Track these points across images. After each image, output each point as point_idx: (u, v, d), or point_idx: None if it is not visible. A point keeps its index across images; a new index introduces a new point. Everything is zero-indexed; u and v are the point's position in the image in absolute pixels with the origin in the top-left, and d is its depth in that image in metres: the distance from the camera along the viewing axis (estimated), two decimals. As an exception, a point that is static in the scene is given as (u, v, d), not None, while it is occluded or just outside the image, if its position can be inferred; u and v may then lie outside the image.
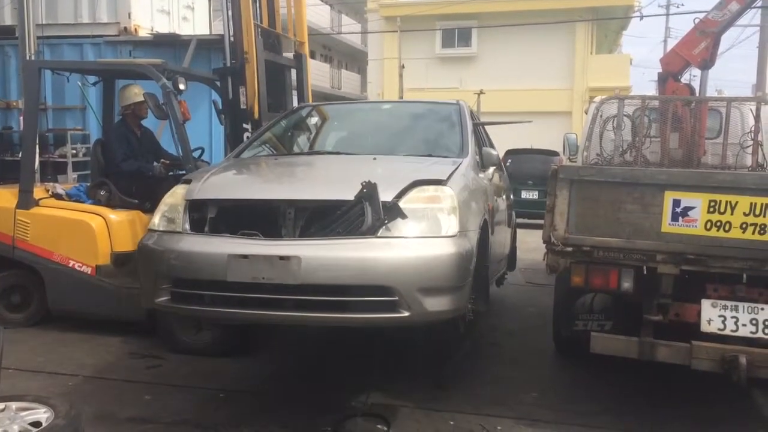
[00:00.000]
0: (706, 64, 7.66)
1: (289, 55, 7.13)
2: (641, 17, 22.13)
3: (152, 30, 9.96)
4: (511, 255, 7.04)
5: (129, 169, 6.05)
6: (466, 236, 3.99)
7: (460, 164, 4.58)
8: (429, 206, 3.92)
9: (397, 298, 3.66)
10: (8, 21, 10.13)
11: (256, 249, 3.78)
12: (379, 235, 3.76)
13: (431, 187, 4.03)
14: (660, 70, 7.77)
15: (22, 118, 9.46)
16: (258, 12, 6.47)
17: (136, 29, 9.80)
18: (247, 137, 6.01)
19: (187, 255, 3.97)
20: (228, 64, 6.25)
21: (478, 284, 4.38)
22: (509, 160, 15.72)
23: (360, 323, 3.95)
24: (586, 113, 8.79)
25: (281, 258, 3.69)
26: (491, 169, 5.38)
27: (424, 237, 3.82)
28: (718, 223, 3.88)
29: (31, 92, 6.03)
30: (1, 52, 10.08)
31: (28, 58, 8.73)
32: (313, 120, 6.11)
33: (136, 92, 6.02)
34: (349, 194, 3.85)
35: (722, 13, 7.31)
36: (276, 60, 6.45)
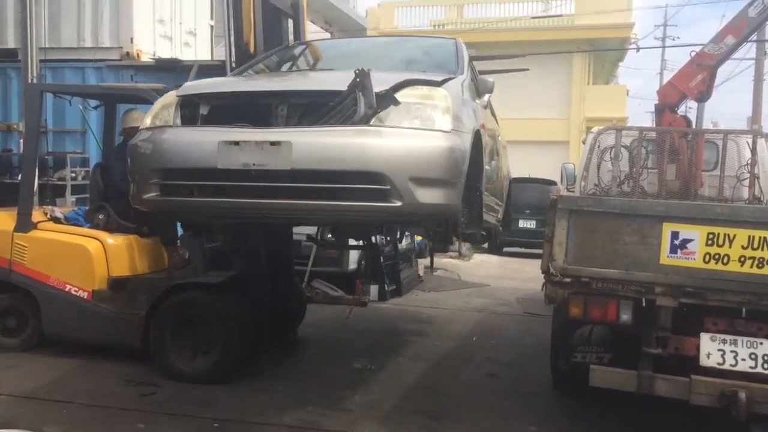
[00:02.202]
0: (703, 96, 7.71)
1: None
2: (637, 49, 22.25)
3: (154, 55, 10.02)
4: (505, 215, 6.88)
5: (128, 192, 6.03)
6: (459, 135, 3.89)
7: (455, 78, 4.50)
8: (422, 102, 3.86)
9: (389, 186, 3.61)
10: (11, 44, 10.17)
11: (247, 136, 3.76)
12: (372, 124, 3.72)
13: (425, 87, 3.96)
14: (657, 102, 7.83)
15: (22, 140, 9.49)
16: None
17: (138, 54, 9.86)
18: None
19: (177, 144, 3.93)
20: (232, 59, 6.12)
21: (471, 205, 4.31)
22: (507, 189, 15.74)
23: (352, 211, 3.83)
24: (584, 143, 8.84)
25: (272, 143, 3.66)
26: (486, 97, 5.20)
27: (417, 129, 3.76)
28: (717, 256, 3.88)
29: (32, 115, 6.05)
30: (4, 74, 10.10)
31: (30, 81, 8.76)
32: (308, 55, 6.01)
33: (137, 117, 6.05)
34: (341, 86, 3.80)
35: (718, 46, 7.38)
36: (273, 2, 6.37)
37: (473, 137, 4.10)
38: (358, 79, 3.73)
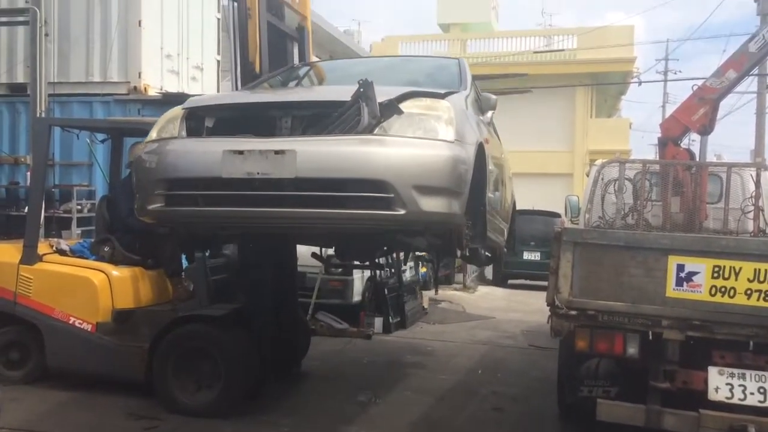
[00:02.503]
0: (706, 129, 7.76)
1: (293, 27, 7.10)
2: (639, 83, 22.49)
3: (161, 89, 10.13)
4: (510, 237, 6.80)
5: (134, 225, 6.05)
6: (462, 146, 3.88)
7: (458, 92, 4.52)
8: (425, 113, 3.87)
9: (392, 195, 3.60)
10: (21, 79, 10.30)
11: (252, 145, 3.78)
12: (375, 133, 3.73)
13: (428, 99, 3.98)
14: (660, 135, 7.87)
15: (29, 173, 9.56)
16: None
17: (145, 88, 9.96)
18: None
19: (181, 154, 3.95)
20: (237, 80, 6.21)
21: (475, 219, 4.29)
22: (511, 221, 15.75)
23: (355, 219, 3.80)
24: (588, 176, 8.86)
25: (276, 152, 3.67)
26: (489, 114, 5.22)
27: (420, 138, 3.77)
28: (723, 289, 3.88)
29: (40, 149, 6.11)
30: (13, 109, 10.21)
31: (38, 115, 8.86)
32: (312, 75, 6.04)
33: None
34: (345, 96, 3.83)
35: (720, 80, 7.45)
36: (278, 25, 6.46)
37: (476, 149, 4.11)
38: (361, 90, 3.78)
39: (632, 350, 4.09)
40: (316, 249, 6.24)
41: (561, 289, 4.08)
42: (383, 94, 3.85)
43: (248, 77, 5.74)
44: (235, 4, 6.02)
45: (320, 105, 4.02)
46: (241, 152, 3.75)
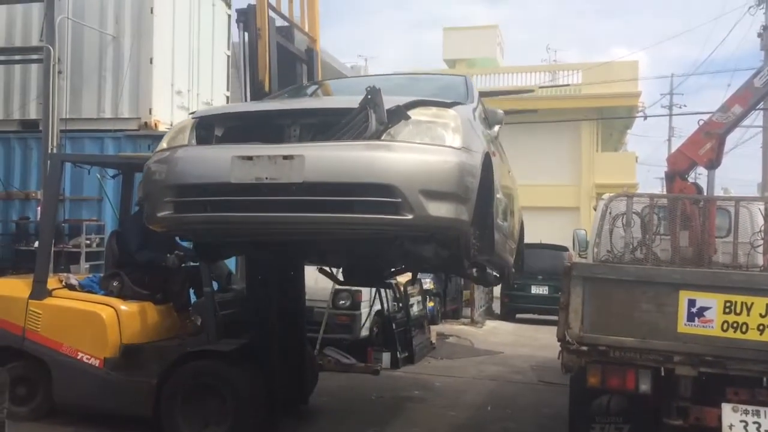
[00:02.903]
0: (713, 164, 7.77)
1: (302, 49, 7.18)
2: (645, 117, 22.60)
3: (171, 125, 10.26)
4: (518, 256, 6.74)
5: (143, 260, 6.10)
6: (469, 154, 3.88)
7: (465, 104, 4.53)
8: (433, 120, 3.89)
9: (400, 199, 3.59)
10: (33, 115, 10.45)
11: (261, 150, 3.81)
12: (383, 139, 3.75)
13: (435, 108, 4.00)
14: (667, 169, 7.88)
15: (39, 208, 9.64)
16: None
17: (156, 124, 10.08)
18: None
19: (191, 161, 3.98)
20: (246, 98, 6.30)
21: (483, 230, 4.26)
22: (519, 255, 15.70)
23: (363, 224, 3.78)
24: (595, 210, 8.87)
25: (285, 157, 3.69)
26: (497, 128, 5.19)
27: (427, 144, 3.78)
28: (735, 324, 3.85)
29: (52, 184, 6.18)
30: (24, 144, 10.34)
31: (50, 150, 8.97)
32: (320, 93, 6.10)
33: (155, 185, 6.15)
34: (353, 104, 3.85)
35: (726, 115, 7.48)
36: (287, 46, 6.53)
37: (483, 159, 4.12)
38: (369, 96, 3.81)
39: (644, 386, 4.05)
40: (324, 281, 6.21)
41: (572, 325, 4.06)
42: (391, 103, 3.90)
43: (258, 97, 5.80)
44: (246, 33, 6.14)
45: (328, 112, 4.07)
46: (250, 158, 3.79)
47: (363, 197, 3.67)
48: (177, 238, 6.60)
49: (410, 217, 3.62)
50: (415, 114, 3.89)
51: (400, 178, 3.64)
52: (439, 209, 3.69)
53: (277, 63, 6.12)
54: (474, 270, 4.46)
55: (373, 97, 3.80)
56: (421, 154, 3.74)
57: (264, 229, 4.14)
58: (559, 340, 4.16)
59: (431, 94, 5.20)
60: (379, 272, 5.50)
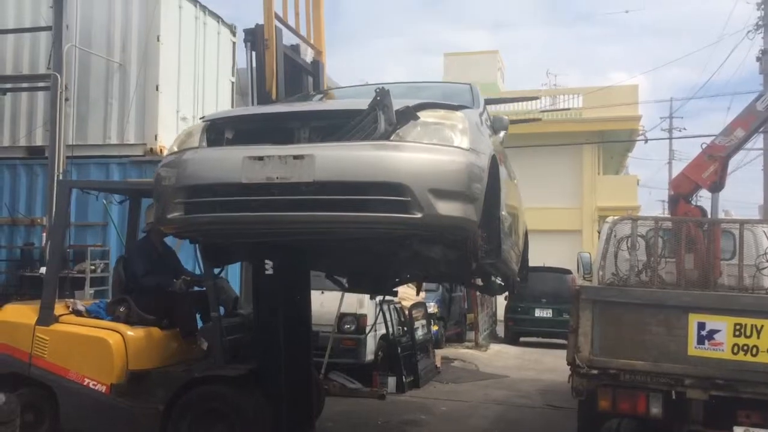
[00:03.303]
0: (716, 186, 7.79)
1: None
2: (646, 141, 22.72)
3: (176, 151, 10.33)
4: (523, 265, 6.74)
5: (149, 285, 6.11)
6: (476, 155, 3.91)
7: (472, 108, 4.58)
8: (441, 122, 3.92)
9: (409, 198, 3.61)
10: (39, 142, 10.53)
11: (271, 151, 3.84)
12: (392, 139, 3.76)
13: (442, 110, 4.05)
14: (671, 192, 7.91)
15: (45, 234, 9.66)
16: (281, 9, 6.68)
17: (161, 150, 10.14)
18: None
19: (202, 162, 4.01)
20: None
21: (489, 233, 4.25)
22: (522, 278, 15.67)
23: (373, 223, 3.78)
24: (599, 233, 8.87)
25: (295, 157, 3.73)
26: (502, 134, 5.26)
27: (436, 144, 3.81)
28: (745, 347, 3.86)
29: (60, 211, 6.21)
30: (30, 171, 10.41)
31: (57, 177, 9.03)
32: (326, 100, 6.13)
33: (162, 211, 6.18)
34: (362, 105, 3.89)
35: (728, 138, 7.52)
36: (294, 58, 6.59)
37: (490, 161, 4.15)
38: (378, 98, 3.87)
39: (655, 410, 4.05)
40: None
41: (581, 348, 4.06)
42: (399, 105, 3.97)
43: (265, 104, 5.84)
44: (254, 53, 6.23)
45: (337, 114, 4.12)
46: (261, 158, 3.83)
47: (372, 196, 3.71)
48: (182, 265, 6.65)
49: (419, 215, 3.66)
50: (423, 116, 3.95)
51: (409, 177, 3.68)
52: (447, 208, 3.72)
53: (284, 74, 6.22)
54: (479, 278, 4.46)
55: (382, 98, 3.86)
56: (430, 153, 3.79)
57: (274, 229, 4.14)
58: (569, 364, 4.16)
59: (438, 101, 5.28)
60: (385, 280, 5.51)
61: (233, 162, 3.91)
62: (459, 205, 3.77)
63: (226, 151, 4.10)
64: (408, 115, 3.87)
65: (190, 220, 4.15)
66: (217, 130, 4.27)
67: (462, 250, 4.19)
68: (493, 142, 4.70)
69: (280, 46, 6.29)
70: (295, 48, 6.90)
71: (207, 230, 4.41)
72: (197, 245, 5.60)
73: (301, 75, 6.89)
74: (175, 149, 4.35)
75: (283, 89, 6.21)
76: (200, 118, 4.56)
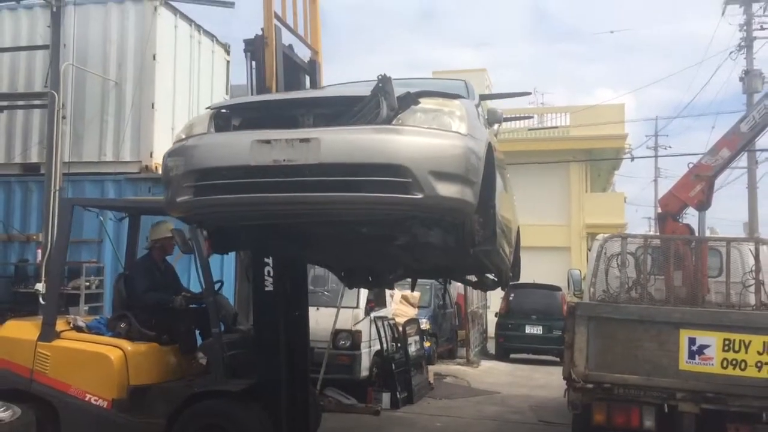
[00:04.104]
0: (703, 205, 8.00)
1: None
2: (632, 159, 23.06)
3: (171, 168, 10.41)
4: (515, 262, 6.79)
5: (150, 302, 6.18)
6: (474, 140, 4.08)
7: (468, 99, 4.75)
8: (439, 108, 4.10)
9: (410, 179, 3.76)
10: (34, 159, 10.58)
11: (279, 134, 4.00)
12: (393, 124, 3.94)
13: (441, 98, 4.23)
14: (659, 211, 8.10)
15: (39, 250, 9.69)
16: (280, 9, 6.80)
17: (156, 167, 10.20)
18: (269, 271, 6.10)
19: (211, 147, 4.16)
20: None
21: (485, 219, 4.41)
22: (512, 295, 15.84)
23: (375, 203, 3.91)
24: (590, 250, 9.04)
25: (302, 140, 3.89)
26: (496, 126, 5.42)
27: (435, 129, 3.98)
28: (734, 362, 4.01)
29: (63, 228, 6.29)
30: (25, 187, 10.43)
31: (52, 193, 9.09)
32: None
33: (165, 228, 6.29)
34: (364, 92, 4.06)
35: (715, 158, 7.74)
36: (292, 57, 6.72)
37: (486, 148, 4.33)
38: (380, 84, 4.04)
39: (649, 423, 4.18)
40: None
41: (577, 363, 4.19)
42: (400, 92, 4.12)
43: None
44: (254, 63, 6.35)
45: (340, 101, 4.30)
46: (268, 141, 3.99)
47: (375, 177, 3.86)
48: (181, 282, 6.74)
49: (420, 196, 3.81)
50: (423, 102, 4.14)
51: (410, 159, 3.84)
52: (447, 190, 3.88)
53: (283, 73, 6.37)
54: (472, 274, 4.55)
55: (383, 84, 4.05)
56: (430, 137, 3.96)
57: (279, 210, 4.25)
58: (565, 378, 4.28)
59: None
60: (381, 274, 5.62)
61: (241, 146, 4.07)
62: (458, 187, 3.92)
63: (234, 136, 4.26)
64: (409, 100, 4.06)
65: (198, 203, 4.27)
66: (223, 118, 4.45)
67: (459, 235, 4.35)
68: (488, 132, 4.90)
69: (279, 45, 6.45)
70: (292, 47, 7.07)
71: (215, 212, 4.49)
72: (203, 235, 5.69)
73: (299, 74, 7.04)
74: (183, 136, 4.49)
75: (282, 87, 6.38)
76: (206, 107, 4.70)
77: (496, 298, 17.40)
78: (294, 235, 5.12)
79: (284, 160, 3.92)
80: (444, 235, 4.40)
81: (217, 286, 6.34)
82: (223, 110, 4.51)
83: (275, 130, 4.11)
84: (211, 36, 11.72)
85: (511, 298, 15.86)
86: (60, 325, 6.10)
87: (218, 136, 4.32)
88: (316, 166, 3.88)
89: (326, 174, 3.89)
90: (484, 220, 4.50)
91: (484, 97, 6.27)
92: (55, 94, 9.42)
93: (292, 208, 4.18)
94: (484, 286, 6.21)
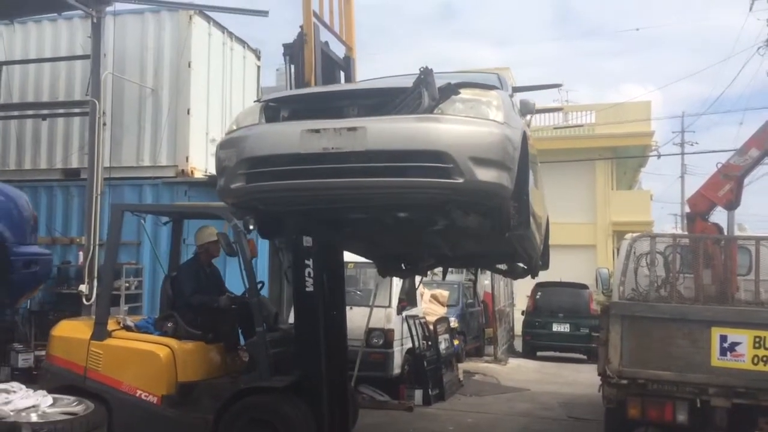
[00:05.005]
0: (732, 204, 8.05)
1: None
2: (659, 156, 22.95)
3: (206, 172, 10.70)
4: (544, 251, 7.05)
5: (196, 302, 6.45)
6: (510, 128, 4.32)
7: (501, 90, 4.97)
8: (477, 98, 4.34)
9: (452, 165, 3.99)
10: (75, 164, 10.96)
11: (327, 124, 4.26)
12: (435, 113, 4.18)
13: (478, 89, 4.47)
14: (688, 211, 8.17)
15: (80, 253, 10.05)
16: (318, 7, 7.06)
17: (192, 171, 10.54)
18: (309, 272, 6.35)
19: (263, 136, 4.45)
20: None
21: (520, 205, 4.62)
22: (539, 293, 15.94)
23: (418, 188, 4.15)
24: (618, 249, 9.14)
25: (349, 129, 4.14)
26: (529, 117, 5.64)
27: (474, 117, 4.22)
28: (765, 358, 4.15)
29: (114, 232, 6.58)
30: (67, 192, 10.82)
31: (94, 198, 9.43)
32: None
33: (210, 232, 6.56)
34: (407, 83, 4.30)
35: (743, 158, 7.79)
36: (328, 53, 6.99)
37: (521, 136, 4.56)
38: (422, 76, 4.28)
39: (682, 417, 4.33)
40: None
41: (611, 360, 4.36)
42: (440, 83, 4.35)
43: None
44: (293, 66, 6.57)
45: (384, 92, 4.54)
46: (317, 131, 4.25)
47: (418, 163, 4.09)
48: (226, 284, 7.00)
49: (461, 180, 4.05)
50: (462, 93, 4.37)
51: (451, 145, 4.08)
52: (486, 175, 4.11)
53: (321, 68, 6.62)
54: (503, 263, 4.68)
55: (425, 76, 4.29)
56: (469, 125, 4.20)
57: (328, 195, 4.52)
58: (599, 375, 4.45)
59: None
60: (416, 262, 5.82)
61: (292, 135, 4.33)
62: (496, 172, 4.15)
63: (285, 126, 4.54)
64: (449, 91, 4.29)
65: (251, 189, 4.54)
66: (273, 110, 4.72)
67: (496, 219, 4.57)
68: (522, 123, 5.12)
69: (317, 41, 6.70)
70: (328, 44, 7.33)
71: (266, 198, 4.74)
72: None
73: (335, 70, 7.27)
74: (235, 127, 4.77)
75: (320, 82, 6.55)
76: (254, 101, 4.95)
77: (522, 297, 17.52)
78: (335, 222, 5.38)
79: (332, 148, 4.17)
80: (480, 219, 4.65)
81: (258, 287, 6.59)
82: (272, 103, 4.78)
83: (323, 120, 4.37)
84: (243, 42, 12.03)
85: (537, 296, 15.98)
86: (110, 324, 6.39)
87: (270, 126, 4.60)
88: (363, 153, 4.14)
89: (372, 160, 4.15)
90: (519, 205, 4.71)
91: (516, 89, 6.46)
92: (96, 102, 9.75)
93: (340, 193, 4.46)
94: (514, 273, 6.40)
